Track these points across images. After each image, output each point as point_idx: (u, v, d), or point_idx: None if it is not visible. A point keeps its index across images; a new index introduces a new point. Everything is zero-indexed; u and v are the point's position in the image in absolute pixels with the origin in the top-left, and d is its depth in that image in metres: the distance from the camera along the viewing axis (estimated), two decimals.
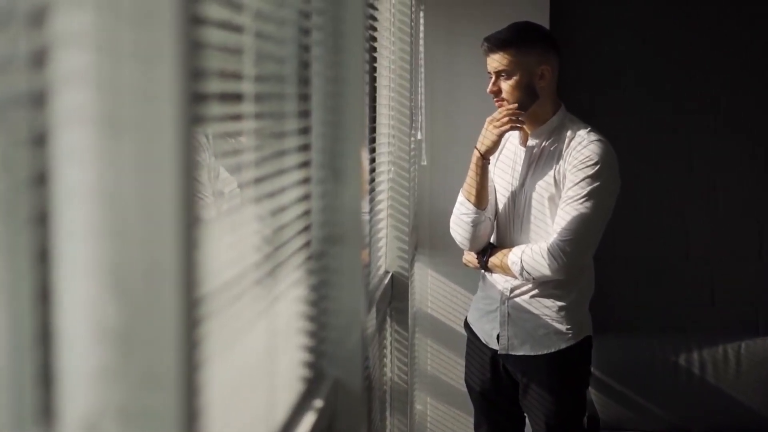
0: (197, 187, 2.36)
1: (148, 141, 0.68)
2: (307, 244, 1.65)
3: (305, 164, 1.63)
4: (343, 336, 1.71)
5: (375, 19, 2.45)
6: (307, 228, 1.64)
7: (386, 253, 2.92)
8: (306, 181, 1.64)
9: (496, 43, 2.80)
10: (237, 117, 1.27)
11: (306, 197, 1.63)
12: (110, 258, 0.69)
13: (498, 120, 2.78)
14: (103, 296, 0.69)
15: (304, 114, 1.63)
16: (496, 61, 2.80)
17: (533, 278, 2.81)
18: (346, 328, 1.71)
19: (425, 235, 3.81)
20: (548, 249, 2.74)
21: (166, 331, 0.69)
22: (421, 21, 3.61)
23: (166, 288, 0.69)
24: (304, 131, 1.63)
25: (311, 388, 1.62)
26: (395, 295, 2.95)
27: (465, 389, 3.14)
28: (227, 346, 1.16)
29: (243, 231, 1.37)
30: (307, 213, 1.64)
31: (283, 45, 1.55)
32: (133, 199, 0.68)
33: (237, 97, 1.25)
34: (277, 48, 1.51)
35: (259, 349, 1.34)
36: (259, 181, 1.43)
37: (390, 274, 2.93)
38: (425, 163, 3.69)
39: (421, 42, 3.59)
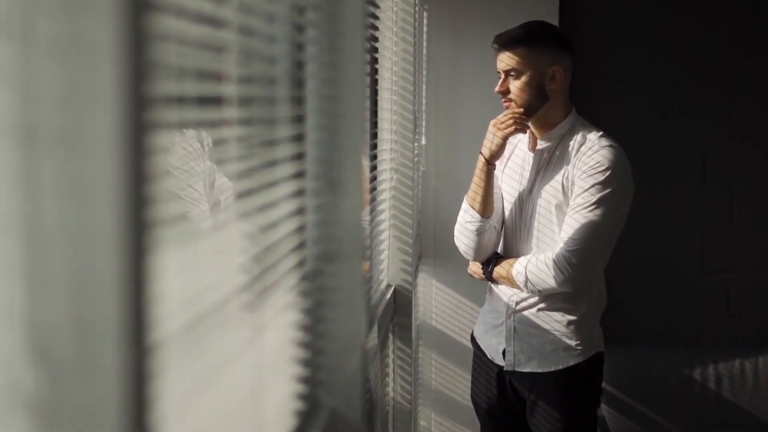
0: (194, 198, 2.19)
1: (78, 157, 0.53)
2: (302, 262, 1.51)
3: (299, 175, 1.49)
4: (340, 362, 1.57)
5: (376, 17, 2.33)
6: (301, 245, 1.50)
7: (388, 266, 2.80)
8: (300, 193, 1.50)
9: (506, 41, 2.69)
10: (217, 123, 1.12)
11: (300, 211, 1.49)
12: (29, 308, 0.54)
13: (502, 123, 2.68)
14: (19, 357, 0.54)
15: (298, 119, 1.49)
16: (505, 59, 2.70)
17: (539, 290, 2.69)
18: (344, 353, 1.57)
19: (429, 244, 3.70)
20: (553, 260, 2.63)
21: (104, 399, 0.54)
22: (425, 20, 3.48)
23: (102, 345, 0.54)
24: (298, 138, 1.49)
25: (305, 422, 1.48)
26: (398, 310, 2.82)
27: (471, 405, 3.03)
28: (203, 385, 1.01)
29: (228, 251, 1.23)
30: (301, 228, 1.50)
31: (274, 43, 1.41)
32: (58, 231, 0.53)
33: (217, 101, 1.10)
34: (266, 46, 1.37)
35: (243, 386, 1.19)
36: (247, 194, 1.29)
37: (392, 288, 2.80)
38: (424, 168, 3.56)
39: (424, 42, 3.47)
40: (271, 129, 1.40)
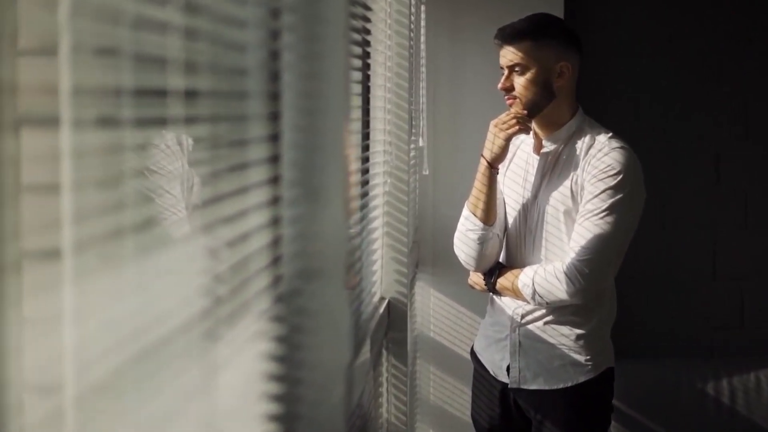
0: (170, 204, 2.02)
1: None
2: (276, 282, 1.32)
3: (273, 181, 1.32)
4: (322, 394, 1.39)
5: (368, 8, 2.17)
6: (276, 261, 1.32)
7: (382, 277, 2.64)
8: (275, 201, 1.32)
9: (510, 34, 2.57)
10: (162, 120, 0.94)
11: (274, 222, 1.32)
12: None
13: (504, 122, 2.56)
14: None
15: (272, 117, 1.32)
16: (509, 54, 2.58)
17: (547, 303, 2.57)
18: (327, 383, 1.39)
19: (428, 251, 3.60)
20: (564, 270, 2.51)
21: None
22: (423, 14, 3.33)
23: None
24: (273, 139, 1.32)
25: None
26: (392, 325, 2.67)
27: (471, 422, 2.91)
28: None
29: (182, 270, 1.05)
30: (275, 242, 1.32)
31: (245, 28, 1.23)
32: None
33: (161, 94, 0.92)
34: (235, 31, 1.19)
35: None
36: (211, 202, 1.12)
37: (386, 301, 2.64)
38: (427, 172, 3.43)
39: (422, 38, 3.32)
40: (240, 127, 1.23)
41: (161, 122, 0.97)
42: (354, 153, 1.89)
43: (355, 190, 1.91)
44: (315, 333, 1.39)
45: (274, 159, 1.32)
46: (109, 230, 0.79)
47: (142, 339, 0.85)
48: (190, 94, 1.03)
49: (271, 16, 1.32)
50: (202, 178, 1.17)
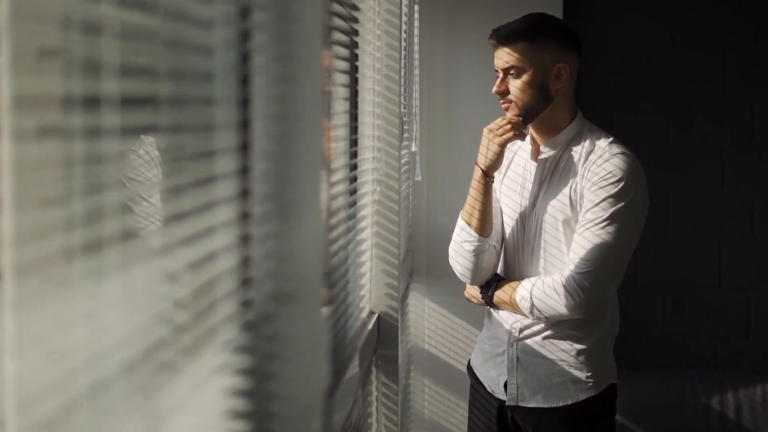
0: (149, 213, 1.92)
1: None
2: (246, 306, 1.22)
3: (242, 195, 1.23)
4: (296, 428, 1.29)
5: (355, 8, 2.07)
6: (245, 284, 1.22)
7: (371, 291, 2.55)
8: (244, 218, 1.23)
9: (506, 35, 2.50)
10: (116, 130, 0.85)
11: (244, 241, 1.22)
12: None
13: (499, 128, 2.50)
14: None
15: (241, 125, 1.23)
16: (504, 56, 2.51)
17: (546, 317, 2.50)
18: (302, 416, 1.29)
19: (422, 260, 3.54)
20: (563, 283, 2.44)
21: None
22: (416, 14, 3.25)
23: None
24: (242, 149, 1.22)
25: None
26: (382, 341, 2.58)
27: None
28: None
29: (140, 296, 0.95)
30: (245, 263, 1.22)
31: (211, 28, 1.14)
32: None
33: (115, 101, 0.83)
34: (200, 32, 1.10)
35: None
36: (172, 219, 1.03)
37: (376, 316, 2.54)
38: (419, 178, 3.36)
39: (416, 39, 3.25)
40: (205, 137, 1.14)
41: (115, 132, 0.87)
42: (337, 161, 1.80)
43: (340, 201, 1.81)
44: (288, 361, 1.29)
45: (243, 171, 1.23)
46: (55, 251, 0.73)
47: (91, 372, 0.79)
48: (149, 101, 0.94)
49: (241, 15, 1.23)
50: (163, 193, 1.08)
